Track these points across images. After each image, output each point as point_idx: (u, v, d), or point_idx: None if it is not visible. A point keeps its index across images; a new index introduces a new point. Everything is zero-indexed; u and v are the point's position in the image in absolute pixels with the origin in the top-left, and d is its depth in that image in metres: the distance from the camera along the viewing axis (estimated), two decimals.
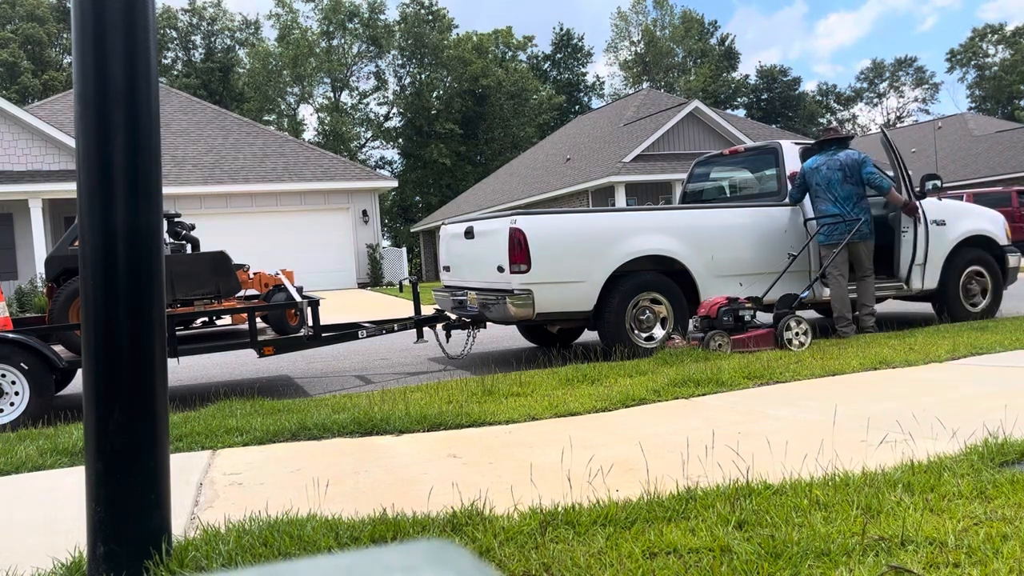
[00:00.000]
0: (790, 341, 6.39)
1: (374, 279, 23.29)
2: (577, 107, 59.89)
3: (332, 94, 54.64)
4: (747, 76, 65.53)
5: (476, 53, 52.45)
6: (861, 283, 7.24)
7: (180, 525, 2.78)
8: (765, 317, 7.04)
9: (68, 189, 18.31)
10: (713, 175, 8.81)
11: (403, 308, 13.03)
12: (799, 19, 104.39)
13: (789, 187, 7.52)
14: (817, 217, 7.20)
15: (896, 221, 7.54)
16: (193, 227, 7.67)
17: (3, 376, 5.49)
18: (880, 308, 9.31)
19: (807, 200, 7.42)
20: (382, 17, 53.40)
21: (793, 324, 6.44)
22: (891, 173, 7.51)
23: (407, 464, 3.52)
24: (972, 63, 63.90)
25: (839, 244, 7.05)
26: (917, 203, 7.40)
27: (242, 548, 2.42)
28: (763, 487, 2.69)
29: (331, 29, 53.27)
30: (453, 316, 7.54)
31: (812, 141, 7.78)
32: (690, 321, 6.83)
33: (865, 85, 69.26)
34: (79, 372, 6.70)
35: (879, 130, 8.04)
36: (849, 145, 7.38)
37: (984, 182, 31.24)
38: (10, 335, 5.58)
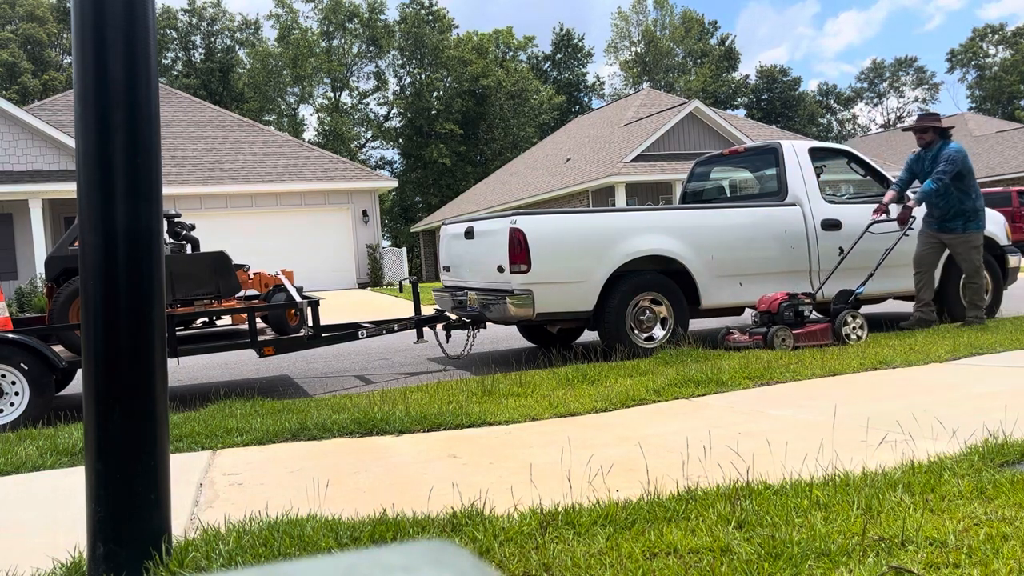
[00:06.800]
0: (848, 335, 6.47)
1: (374, 279, 23.28)
2: (577, 107, 59.87)
3: (332, 94, 54.64)
4: (747, 76, 65.62)
5: (476, 53, 52.45)
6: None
7: (180, 525, 2.78)
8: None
9: (68, 189, 18.31)
10: (713, 175, 8.79)
11: (403, 308, 13.03)
12: (810, 18, 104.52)
13: (789, 187, 7.45)
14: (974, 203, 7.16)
15: None
16: (193, 227, 7.66)
17: (3, 376, 5.48)
18: (880, 308, 9.31)
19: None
20: (382, 17, 53.41)
21: (851, 319, 6.52)
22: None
23: (407, 464, 3.52)
24: (972, 63, 63.89)
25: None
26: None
27: (242, 548, 2.42)
28: (763, 487, 2.69)
29: (331, 29, 53.27)
30: (453, 316, 7.54)
31: (814, 142, 7.78)
32: (750, 316, 6.89)
33: (865, 85, 69.27)
34: (79, 372, 6.70)
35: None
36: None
37: (984, 182, 31.20)
38: (10, 335, 5.57)
